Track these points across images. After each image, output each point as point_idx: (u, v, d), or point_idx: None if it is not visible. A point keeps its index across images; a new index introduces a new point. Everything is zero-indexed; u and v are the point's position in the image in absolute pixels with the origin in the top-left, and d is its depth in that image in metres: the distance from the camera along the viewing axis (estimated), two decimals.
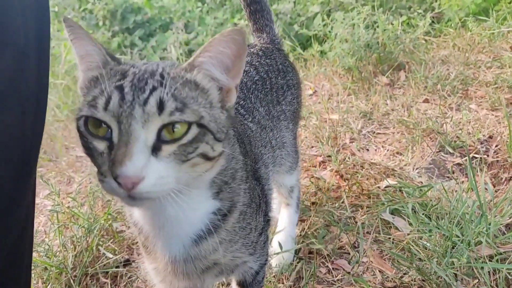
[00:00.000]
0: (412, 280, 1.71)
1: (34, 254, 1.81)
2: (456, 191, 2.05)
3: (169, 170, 0.86)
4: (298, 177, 2.00)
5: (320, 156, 2.57)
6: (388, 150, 2.57)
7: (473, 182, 1.80)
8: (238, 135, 1.24)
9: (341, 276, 1.81)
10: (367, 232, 1.97)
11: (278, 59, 1.80)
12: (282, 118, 1.72)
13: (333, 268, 1.85)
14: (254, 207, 1.24)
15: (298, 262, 1.87)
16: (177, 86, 0.89)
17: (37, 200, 2.41)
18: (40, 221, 2.23)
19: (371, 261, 1.85)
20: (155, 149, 0.84)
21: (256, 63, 1.68)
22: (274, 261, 1.85)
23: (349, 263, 1.86)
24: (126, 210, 1.25)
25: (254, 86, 1.60)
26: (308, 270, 1.80)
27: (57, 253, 1.85)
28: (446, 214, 1.87)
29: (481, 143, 2.46)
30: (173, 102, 0.86)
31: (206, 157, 0.91)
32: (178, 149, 0.86)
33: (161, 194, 0.86)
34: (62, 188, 2.38)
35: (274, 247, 1.91)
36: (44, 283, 1.76)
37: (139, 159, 0.81)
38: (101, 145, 0.86)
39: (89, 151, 0.89)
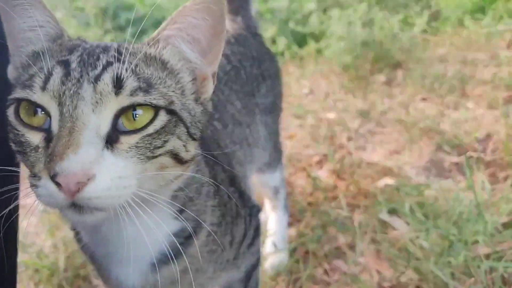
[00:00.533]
0: (409, 280, 1.69)
1: (25, 256, 1.79)
2: (453, 190, 2.03)
3: (129, 168, 0.68)
4: (282, 176, 1.94)
5: (317, 155, 2.55)
6: (385, 149, 2.55)
7: (470, 180, 1.77)
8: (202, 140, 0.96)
9: (338, 276, 1.78)
10: (364, 232, 1.95)
11: (252, 46, 1.66)
12: (256, 111, 1.58)
13: (330, 269, 1.83)
14: (229, 220, 1.07)
15: (294, 263, 1.85)
16: (139, 62, 0.73)
17: (28, 201, 2.37)
18: (31, 222, 2.19)
19: (368, 261, 1.83)
20: (111, 141, 0.68)
21: (228, 52, 1.49)
22: (268, 263, 1.82)
23: (346, 263, 1.83)
24: (71, 233, 1.04)
25: (226, 77, 1.43)
26: (304, 271, 1.77)
27: (49, 255, 1.82)
28: (443, 213, 1.85)
29: (479, 142, 2.44)
30: (134, 80, 0.70)
31: (177, 158, 0.75)
32: (141, 141, 0.69)
33: (118, 201, 0.67)
34: None
35: (267, 250, 1.88)
36: (36, 284, 1.73)
37: (87, 151, 0.63)
38: (35, 137, 0.69)
39: (21, 146, 0.69)
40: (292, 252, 1.90)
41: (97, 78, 0.68)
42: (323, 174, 2.36)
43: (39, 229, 2.08)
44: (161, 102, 0.71)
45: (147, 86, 0.71)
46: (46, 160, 0.65)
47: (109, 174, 0.65)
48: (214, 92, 1.35)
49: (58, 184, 0.62)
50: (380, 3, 3.91)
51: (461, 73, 3.09)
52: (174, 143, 0.74)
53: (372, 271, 1.78)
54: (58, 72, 0.68)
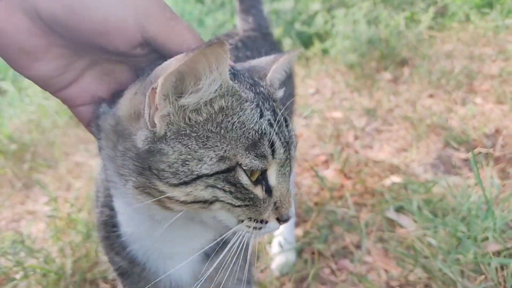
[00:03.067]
0: (417, 278, 1.67)
1: (33, 261, 1.79)
2: (461, 186, 1.99)
3: None
4: (292, 178, 1.93)
5: (323, 155, 2.53)
6: (392, 147, 2.52)
7: (478, 176, 1.74)
8: None
9: (345, 276, 1.76)
10: (371, 231, 1.93)
11: (261, 48, 1.65)
12: None
13: (337, 269, 1.81)
14: None
15: (301, 263, 1.83)
16: (281, 108, 0.80)
17: (36, 207, 2.40)
18: (39, 228, 2.21)
19: (376, 260, 1.81)
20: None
21: (233, 58, 1.50)
22: (275, 263, 1.81)
23: (352, 262, 1.81)
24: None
25: None
26: (311, 271, 1.76)
27: (56, 259, 1.82)
28: (452, 210, 1.82)
29: (487, 137, 2.41)
30: (293, 129, 0.81)
31: None
32: None
33: None
34: (61, 194, 2.36)
35: (274, 250, 1.87)
36: (41, 285, 1.73)
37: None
38: (259, 191, 0.75)
39: (250, 201, 0.75)
40: (299, 252, 1.89)
41: (292, 139, 0.78)
42: (330, 174, 2.34)
43: (47, 234, 2.09)
44: None
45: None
46: (273, 208, 0.77)
47: None
48: None
49: (280, 222, 0.79)
50: (385, 1, 3.88)
51: (468, 68, 3.05)
52: None
53: (380, 270, 1.76)
54: (277, 140, 0.73)
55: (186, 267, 0.96)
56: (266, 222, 0.77)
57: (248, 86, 0.75)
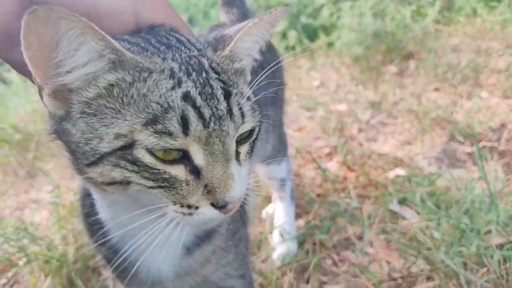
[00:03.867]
0: (420, 270, 1.66)
1: (36, 248, 1.80)
2: (465, 179, 1.98)
3: (247, 172, 0.75)
4: (288, 168, 1.93)
5: (326, 147, 2.52)
6: (397, 140, 2.51)
7: (482, 169, 1.73)
8: None
9: (347, 267, 1.76)
10: (374, 223, 1.92)
11: None
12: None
13: (338, 260, 1.81)
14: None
15: (302, 253, 1.83)
16: (237, 82, 0.73)
17: (40, 195, 2.41)
18: (42, 216, 2.22)
19: (378, 252, 1.80)
20: (237, 156, 0.73)
21: None
22: (276, 253, 1.81)
23: (354, 253, 1.81)
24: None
25: None
26: (312, 261, 1.75)
27: (58, 247, 1.83)
28: (455, 203, 1.81)
29: (493, 131, 2.39)
30: (247, 104, 0.72)
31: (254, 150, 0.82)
32: (249, 147, 0.77)
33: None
34: (65, 183, 2.36)
35: (275, 240, 1.87)
36: (46, 275, 1.74)
37: (237, 175, 0.70)
38: (179, 171, 0.68)
39: (165, 182, 0.68)
40: (301, 243, 1.89)
41: (231, 114, 0.68)
42: (333, 166, 2.34)
43: (50, 222, 2.10)
44: (259, 113, 0.76)
45: (253, 103, 0.74)
46: (204, 191, 0.68)
47: (244, 183, 0.72)
48: None
49: (219, 209, 0.69)
50: None
51: (474, 62, 3.02)
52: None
53: (382, 261, 1.75)
54: (192, 115, 0.64)
55: (165, 260, 0.94)
56: (197, 208, 0.69)
57: (165, 57, 0.68)
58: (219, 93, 0.68)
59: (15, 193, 2.50)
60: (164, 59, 0.67)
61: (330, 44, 3.75)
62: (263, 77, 1.61)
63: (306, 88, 3.16)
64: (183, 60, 0.68)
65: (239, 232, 1.10)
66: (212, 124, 0.66)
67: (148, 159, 0.65)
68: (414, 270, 1.68)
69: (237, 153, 0.73)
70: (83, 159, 0.68)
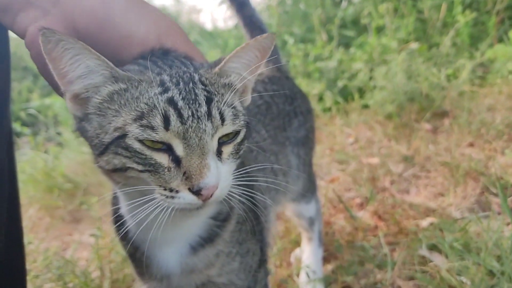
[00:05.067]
0: None
1: (75, 281, 1.90)
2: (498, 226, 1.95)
3: (230, 171, 0.90)
4: (317, 207, 1.98)
5: (358, 198, 2.55)
6: (429, 192, 2.50)
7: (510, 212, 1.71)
8: None
9: None
10: (403, 268, 1.90)
11: (285, 85, 1.83)
12: (287, 144, 1.72)
13: None
14: (249, 226, 1.19)
15: None
16: (223, 92, 0.89)
17: (83, 238, 2.54)
18: (83, 256, 2.34)
19: None
20: (218, 153, 0.88)
21: (261, 89, 1.70)
22: None
23: None
24: (113, 231, 1.16)
25: (256, 110, 1.61)
26: None
27: (95, 279, 1.92)
28: (485, 248, 1.78)
29: None
30: (229, 110, 0.88)
31: (241, 153, 0.95)
32: (233, 149, 0.91)
33: (224, 196, 0.89)
34: (107, 227, 2.45)
35: (301, 280, 1.88)
36: None
37: (214, 168, 0.83)
38: (163, 159, 0.84)
39: (152, 167, 0.84)
40: (327, 285, 1.89)
41: (209, 115, 0.84)
42: (364, 215, 2.35)
43: (89, 260, 2.21)
44: (242, 120, 0.92)
45: (235, 111, 0.90)
46: (183, 178, 0.83)
47: (224, 178, 0.87)
48: None
49: (197, 194, 0.82)
50: (424, 55, 3.96)
51: (509, 118, 3.02)
52: (245, 144, 0.96)
53: None
54: (173, 114, 0.81)
55: (173, 257, 1.07)
56: (177, 192, 0.83)
57: (160, 72, 0.87)
58: (202, 99, 0.85)
59: (60, 235, 2.66)
60: (159, 73, 0.87)
61: (364, 106, 3.86)
62: (295, 120, 1.75)
63: (339, 144, 3.24)
64: (177, 75, 0.87)
65: (246, 244, 1.17)
66: (189, 122, 0.82)
67: (137, 145, 0.82)
68: None
69: (220, 152, 0.89)
70: (95, 151, 0.87)
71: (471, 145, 2.90)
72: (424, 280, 1.78)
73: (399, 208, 2.34)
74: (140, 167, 0.84)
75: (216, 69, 0.92)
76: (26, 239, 2.11)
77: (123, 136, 0.82)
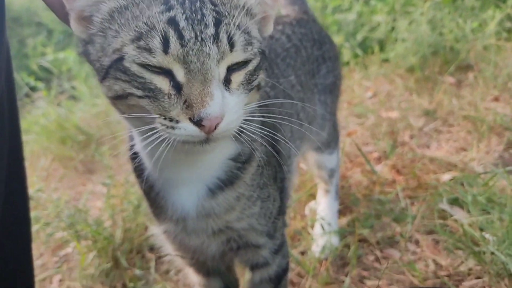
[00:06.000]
0: (468, 270, 1.57)
1: (87, 229, 1.89)
2: None
3: (240, 103, 0.81)
4: (338, 159, 1.92)
5: (376, 152, 2.47)
6: (451, 146, 2.41)
7: None
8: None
9: (390, 264, 1.69)
10: (421, 222, 1.84)
11: (313, 28, 1.73)
12: (315, 91, 1.64)
13: (382, 256, 1.75)
14: (271, 172, 1.13)
15: (344, 248, 1.79)
16: (235, 14, 0.80)
17: (96, 188, 2.53)
18: (95, 205, 2.33)
19: (424, 251, 1.72)
20: (226, 83, 0.79)
21: (289, 32, 1.59)
22: (317, 244, 1.78)
23: (399, 251, 1.74)
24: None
25: (285, 53, 1.51)
26: (354, 256, 1.70)
27: (108, 228, 1.91)
28: (510, 202, 1.70)
29: None
30: (240, 35, 0.79)
31: (258, 86, 0.87)
32: (244, 78, 0.82)
33: (234, 130, 0.81)
34: (120, 178, 2.43)
35: (316, 232, 1.84)
36: (94, 255, 1.82)
37: (219, 97, 0.75)
38: (164, 84, 0.76)
39: (151, 92, 0.77)
40: (342, 237, 1.84)
41: (216, 38, 0.75)
42: (381, 169, 2.28)
43: (102, 210, 2.20)
44: (257, 48, 0.82)
45: (248, 37, 0.80)
46: (183, 106, 0.75)
47: (231, 110, 0.78)
48: (269, 64, 1.41)
49: (199, 125, 0.74)
50: (448, 6, 3.75)
51: None
52: (261, 75, 0.86)
53: (428, 260, 1.67)
54: (173, 35, 0.73)
55: (190, 199, 1.01)
56: (178, 122, 0.75)
57: None
58: (210, 20, 0.76)
59: (73, 185, 2.65)
60: None
61: (384, 60, 3.71)
62: (324, 65, 1.65)
63: (358, 97, 3.13)
64: None
65: (267, 189, 1.11)
66: (190, 44, 0.73)
67: (135, 68, 0.75)
68: (462, 269, 1.58)
69: (229, 81, 0.80)
70: (98, 76, 0.81)
71: (496, 99, 2.77)
72: (444, 234, 1.72)
73: (419, 162, 2.26)
74: (139, 93, 0.77)
75: None
76: (37, 187, 2.11)
77: (121, 58, 0.75)
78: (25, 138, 2.63)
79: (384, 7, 4.18)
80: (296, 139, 1.51)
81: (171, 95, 0.76)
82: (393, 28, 3.82)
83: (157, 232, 1.17)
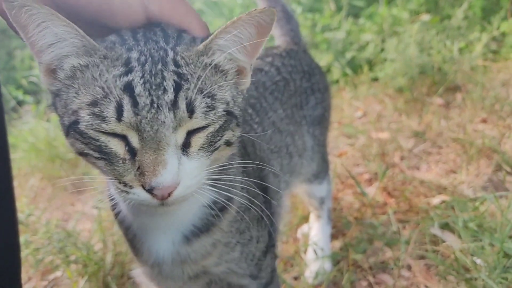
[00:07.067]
0: None
1: (76, 252, 1.86)
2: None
3: (200, 167, 0.78)
4: (329, 188, 1.92)
5: (366, 173, 2.49)
6: (440, 168, 2.44)
7: None
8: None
9: None
10: (414, 247, 1.85)
11: (303, 60, 1.73)
12: (304, 123, 1.65)
13: (374, 282, 1.75)
14: (254, 214, 1.09)
15: (337, 273, 1.79)
16: (200, 75, 0.75)
17: (85, 208, 2.50)
18: (85, 227, 2.30)
19: (417, 276, 1.73)
20: (185, 147, 0.76)
21: (279, 64, 1.60)
22: (310, 270, 1.78)
23: (391, 277, 1.74)
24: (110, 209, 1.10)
25: (274, 87, 1.51)
26: (347, 281, 1.70)
27: (98, 252, 1.88)
28: (500, 228, 1.72)
29: None
30: (202, 101, 0.74)
31: (228, 143, 0.83)
32: (206, 140, 0.77)
33: (193, 191, 0.78)
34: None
35: (309, 257, 1.84)
36: (82, 276, 1.79)
37: (173, 164, 0.72)
38: (120, 149, 0.74)
39: (107, 155, 0.75)
40: (335, 262, 1.84)
41: (174, 105, 0.71)
42: (372, 191, 2.29)
43: (92, 232, 2.17)
44: (221, 112, 0.77)
45: (212, 101, 0.76)
46: (136, 173, 0.73)
47: (189, 176, 0.75)
48: (257, 98, 1.42)
49: (151, 193, 0.73)
50: (436, 27, 3.82)
51: None
52: (228, 135, 0.82)
53: (420, 285, 1.68)
54: (127, 102, 0.70)
55: (165, 245, 0.99)
56: (131, 187, 0.74)
57: (131, 47, 0.75)
58: (169, 84, 0.72)
59: (62, 205, 2.61)
60: (129, 49, 0.75)
61: (374, 79, 3.75)
62: (312, 97, 1.67)
63: (347, 117, 3.16)
64: (149, 52, 0.75)
65: (248, 232, 1.08)
66: (144, 112, 0.70)
67: (90, 131, 0.73)
68: None
69: (188, 144, 0.76)
70: (63, 131, 0.78)
71: (484, 121, 2.82)
72: (435, 260, 1.73)
73: (410, 184, 2.28)
74: (96, 155, 0.75)
75: (201, 46, 0.78)
76: (27, 210, 2.08)
77: (77, 121, 0.73)
78: (12, 155, 2.60)
79: (372, 26, 4.24)
80: (286, 173, 1.51)
81: (125, 160, 0.74)
82: (382, 50, 3.87)
83: (138, 272, 1.15)
